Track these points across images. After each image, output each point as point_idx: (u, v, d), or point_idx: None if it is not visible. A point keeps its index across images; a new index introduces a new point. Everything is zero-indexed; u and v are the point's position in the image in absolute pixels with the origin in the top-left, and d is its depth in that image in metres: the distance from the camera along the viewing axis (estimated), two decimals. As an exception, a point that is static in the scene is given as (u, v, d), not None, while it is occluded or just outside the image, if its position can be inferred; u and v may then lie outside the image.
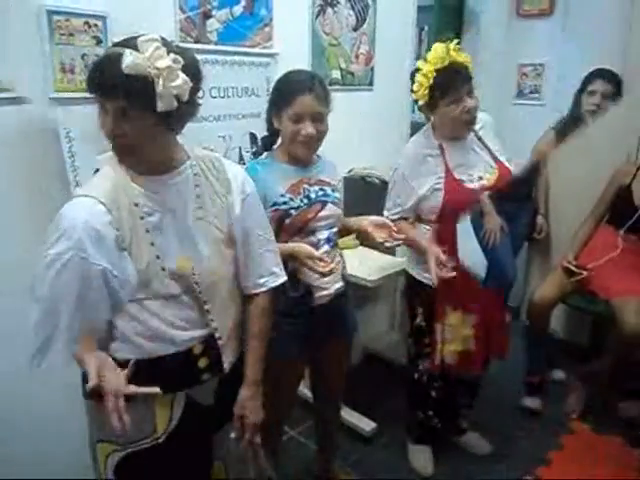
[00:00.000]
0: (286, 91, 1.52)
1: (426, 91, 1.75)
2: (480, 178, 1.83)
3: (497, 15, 3.43)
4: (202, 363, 1.19)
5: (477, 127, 1.91)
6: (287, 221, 1.53)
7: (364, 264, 2.19)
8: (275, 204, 1.51)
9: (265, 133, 1.69)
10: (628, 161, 2.59)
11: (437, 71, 1.72)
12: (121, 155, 1.06)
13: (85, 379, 1.01)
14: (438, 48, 1.73)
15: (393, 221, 1.85)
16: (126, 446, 1.14)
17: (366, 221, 1.66)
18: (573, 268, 2.44)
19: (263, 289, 1.30)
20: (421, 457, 2.21)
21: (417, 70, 1.77)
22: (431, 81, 1.73)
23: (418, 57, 3.34)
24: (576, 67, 2.64)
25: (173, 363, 1.14)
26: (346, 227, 1.72)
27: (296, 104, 1.48)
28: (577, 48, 3.01)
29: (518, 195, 2.01)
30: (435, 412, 2.16)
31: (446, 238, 1.81)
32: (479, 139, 1.92)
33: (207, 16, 1.85)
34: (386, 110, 2.81)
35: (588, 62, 2.61)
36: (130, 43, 0.97)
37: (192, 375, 1.19)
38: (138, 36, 0.97)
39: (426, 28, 3.51)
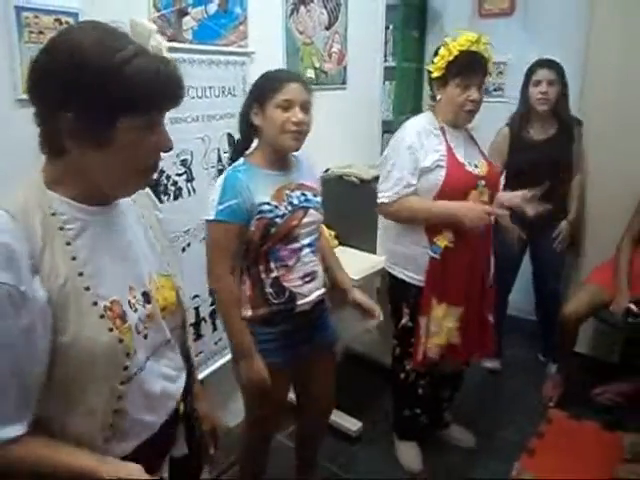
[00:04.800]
0: (273, 80, 1.49)
1: (444, 64, 1.80)
2: (476, 166, 1.89)
3: (459, 14, 3.49)
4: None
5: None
6: (273, 230, 1.48)
7: (345, 264, 2.17)
8: (261, 212, 1.46)
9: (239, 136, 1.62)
10: None
11: (461, 52, 1.78)
12: (153, 173, 0.92)
13: None
14: (469, 34, 1.79)
15: (395, 201, 1.86)
16: None
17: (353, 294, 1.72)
18: (635, 309, 2.25)
19: None
20: (409, 453, 2.22)
21: (443, 45, 1.81)
22: (451, 58, 1.78)
23: (385, 56, 3.43)
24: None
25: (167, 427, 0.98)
26: (331, 276, 1.75)
27: (286, 90, 1.45)
28: (538, 46, 3.08)
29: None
30: (422, 409, 2.17)
31: (443, 224, 1.84)
32: (470, 136, 1.98)
33: (183, 14, 1.79)
34: (359, 109, 2.81)
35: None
36: (140, 47, 0.80)
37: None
38: (120, 35, 0.80)
39: (391, 27, 3.52)
